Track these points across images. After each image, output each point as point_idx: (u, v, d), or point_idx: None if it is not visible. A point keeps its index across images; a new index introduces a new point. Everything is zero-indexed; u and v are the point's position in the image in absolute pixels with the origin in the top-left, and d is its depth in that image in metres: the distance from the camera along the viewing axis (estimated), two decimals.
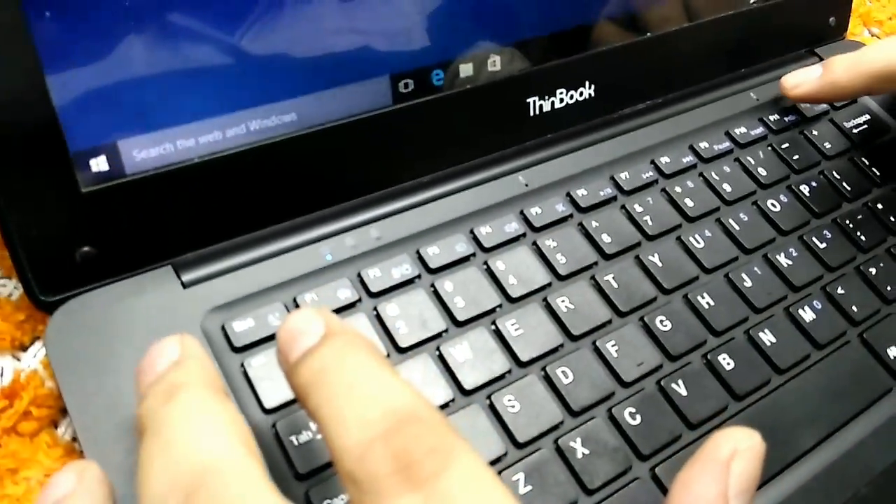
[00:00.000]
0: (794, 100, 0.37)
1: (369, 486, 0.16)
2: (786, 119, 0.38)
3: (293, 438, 0.23)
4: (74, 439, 0.25)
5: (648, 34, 0.35)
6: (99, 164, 0.24)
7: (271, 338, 0.25)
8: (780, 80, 0.37)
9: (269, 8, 0.26)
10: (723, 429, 0.21)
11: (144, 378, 0.19)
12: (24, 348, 0.26)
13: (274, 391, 0.23)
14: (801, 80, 0.36)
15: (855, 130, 0.38)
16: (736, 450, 0.20)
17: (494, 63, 0.31)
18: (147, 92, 0.24)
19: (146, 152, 0.25)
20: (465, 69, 0.31)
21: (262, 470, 0.17)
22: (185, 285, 0.26)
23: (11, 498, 0.23)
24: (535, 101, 0.33)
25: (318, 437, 0.23)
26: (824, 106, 0.39)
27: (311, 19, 0.26)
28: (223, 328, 0.25)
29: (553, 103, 0.34)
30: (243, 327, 0.25)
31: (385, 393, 0.18)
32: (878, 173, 0.37)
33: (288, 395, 0.23)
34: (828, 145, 0.37)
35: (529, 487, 0.24)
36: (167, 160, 0.25)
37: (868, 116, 0.39)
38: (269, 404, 0.23)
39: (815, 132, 0.37)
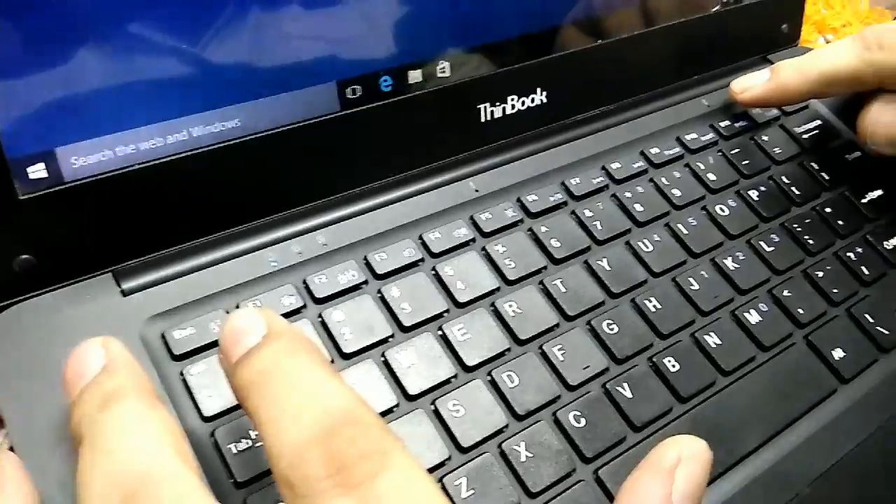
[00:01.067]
0: (743, 104, 0.37)
1: (304, 489, 0.16)
2: (736, 125, 0.38)
3: (232, 446, 0.23)
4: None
5: (600, 41, 0.36)
6: (37, 171, 0.24)
7: (211, 345, 0.24)
8: (730, 85, 0.38)
9: (212, 14, 0.25)
10: (670, 437, 0.21)
11: (74, 384, 0.19)
12: None
13: (213, 399, 0.23)
14: (748, 84, 0.37)
15: (805, 136, 0.39)
16: (681, 457, 0.20)
17: (444, 70, 0.31)
18: (85, 99, 0.24)
19: (85, 159, 0.25)
20: (414, 76, 0.31)
21: (196, 476, 0.17)
22: (125, 293, 0.25)
23: None
24: (486, 108, 0.33)
25: (258, 445, 0.23)
26: (775, 112, 0.39)
27: (256, 25, 0.26)
28: (163, 336, 0.24)
29: (504, 110, 0.34)
30: (183, 335, 0.24)
31: (323, 396, 0.18)
32: (827, 178, 0.37)
33: (227, 402, 0.23)
34: (778, 150, 0.38)
35: (471, 492, 0.24)
36: (107, 167, 0.25)
37: (819, 122, 0.40)
38: (207, 412, 0.23)
39: (765, 137, 0.38)
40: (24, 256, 0.25)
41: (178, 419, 0.23)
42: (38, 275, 0.25)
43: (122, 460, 0.17)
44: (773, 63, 0.43)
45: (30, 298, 0.25)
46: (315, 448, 0.17)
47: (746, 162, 0.36)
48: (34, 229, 0.25)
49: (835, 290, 0.33)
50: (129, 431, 0.18)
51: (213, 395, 0.23)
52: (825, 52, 0.36)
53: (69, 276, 0.25)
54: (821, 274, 0.33)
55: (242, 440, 0.23)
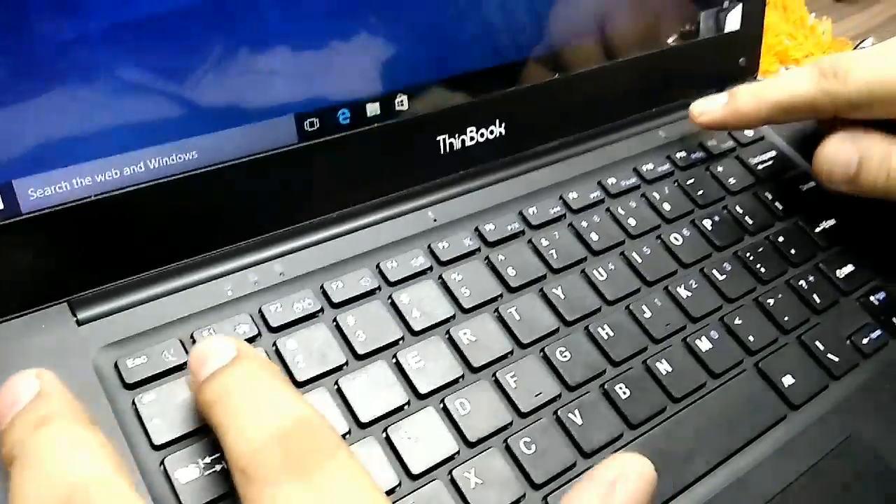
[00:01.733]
0: (701, 126, 0.38)
1: (258, 476, 0.18)
2: (692, 156, 0.39)
3: (181, 475, 0.23)
4: None
5: (558, 75, 0.37)
6: None
7: (164, 374, 0.25)
8: (689, 107, 0.39)
9: (170, 49, 0.26)
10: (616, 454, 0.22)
11: (5, 413, 0.20)
12: None
13: (163, 428, 0.24)
14: (707, 107, 0.38)
15: (760, 167, 0.40)
16: (623, 472, 0.21)
17: (402, 103, 0.32)
18: (42, 133, 0.25)
19: (42, 191, 0.25)
20: (372, 108, 0.31)
21: (130, 483, 0.18)
22: (80, 322, 0.26)
23: None
24: (445, 139, 0.34)
25: (207, 473, 0.23)
26: (731, 143, 0.40)
27: (214, 60, 0.27)
28: (116, 365, 0.25)
29: (464, 141, 0.35)
30: (136, 363, 0.25)
31: (280, 404, 0.20)
32: (780, 208, 0.38)
33: (177, 431, 0.24)
34: (732, 181, 0.39)
35: None
36: (64, 199, 0.25)
37: (774, 153, 0.41)
38: (158, 441, 0.23)
39: (720, 168, 0.39)
40: None
41: (128, 447, 0.23)
42: None
43: (54, 472, 0.18)
44: None
45: None
46: (271, 445, 0.19)
47: (701, 192, 0.37)
48: None
49: (786, 318, 0.33)
50: (62, 447, 0.19)
51: (164, 423, 0.24)
52: (782, 80, 0.37)
53: (25, 306, 0.26)
54: (772, 302, 0.34)
55: (191, 467, 0.23)
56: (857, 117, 0.35)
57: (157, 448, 0.23)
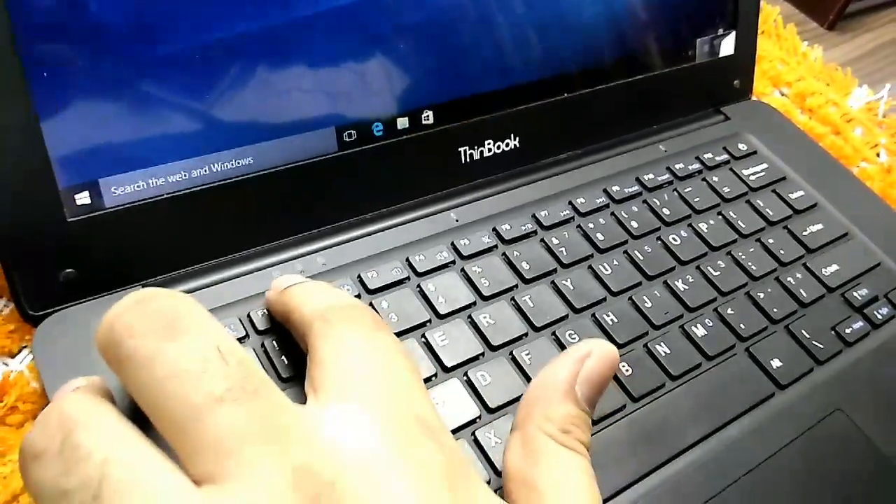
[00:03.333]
0: None
1: (334, 320, 0.23)
2: (690, 167, 0.43)
3: None
4: None
5: (567, 94, 0.41)
6: (83, 198, 0.29)
7: None
8: None
9: (231, 72, 0.31)
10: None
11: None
12: (13, 355, 0.30)
13: None
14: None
15: (752, 177, 0.44)
16: (591, 351, 0.25)
17: (428, 117, 0.36)
18: (125, 140, 0.29)
19: (123, 189, 0.29)
20: (402, 122, 0.36)
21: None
22: None
23: None
24: (465, 150, 0.38)
25: None
26: (725, 156, 0.44)
27: (268, 81, 0.31)
28: None
29: (482, 152, 0.39)
30: None
31: (340, 293, 0.25)
32: (770, 213, 0.42)
33: None
34: (727, 189, 0.42)
35: None
36: (141, 196, 0.30)
37: (765, 165, 0.45)
38: None
39: (715, 178, 0.43)
40: (68, 270, 0.29)
41: None
42: (80, 286, 0.29)
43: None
44: (725, 115, 0.48)
45: (72, 306, 0.29)
46: (337, 306, 0.24)
47: (698, 199, 0.41)
48: (78, 247, 0.29)
49: (775, 310, 0.37)
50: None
51: None
52: None
53: (106, 288, 0.30)
54: (762, 295, 0.37)
55: None
56: None
57: None
